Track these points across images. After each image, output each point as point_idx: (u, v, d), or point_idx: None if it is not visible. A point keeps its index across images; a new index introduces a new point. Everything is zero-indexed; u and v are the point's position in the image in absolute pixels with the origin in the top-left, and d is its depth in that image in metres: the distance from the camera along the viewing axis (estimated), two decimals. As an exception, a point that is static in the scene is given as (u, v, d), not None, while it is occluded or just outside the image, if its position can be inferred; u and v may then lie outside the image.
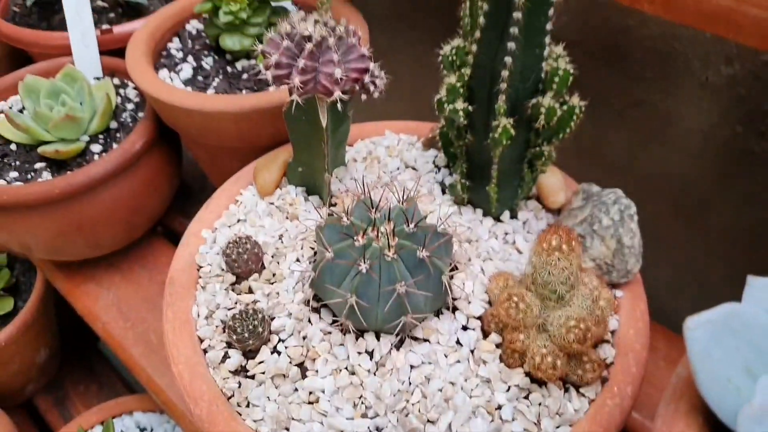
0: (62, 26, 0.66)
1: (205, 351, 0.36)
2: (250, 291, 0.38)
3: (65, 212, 0.50)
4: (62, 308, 0.73)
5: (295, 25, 0.35)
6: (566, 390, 0.34)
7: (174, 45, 0.56)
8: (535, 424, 0.33)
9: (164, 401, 0.49)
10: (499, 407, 0.33)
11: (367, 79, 0.35)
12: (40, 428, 0.80)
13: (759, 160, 0.69)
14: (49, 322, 0.77)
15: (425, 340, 0.35)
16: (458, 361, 0.34)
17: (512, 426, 0.32)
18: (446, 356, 0.34)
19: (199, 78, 0.52)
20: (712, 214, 0.71)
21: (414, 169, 0.45)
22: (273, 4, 0.51)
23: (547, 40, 0.33)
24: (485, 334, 0.35)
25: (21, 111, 0.58)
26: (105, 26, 0.63)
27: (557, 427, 0.33)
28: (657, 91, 0.72)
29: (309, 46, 0.34)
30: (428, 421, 0.32)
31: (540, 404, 0.33)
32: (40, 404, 0.79)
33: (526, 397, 0.33)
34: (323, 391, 0.33)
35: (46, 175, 0.51)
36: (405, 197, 0.37)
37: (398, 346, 0.35)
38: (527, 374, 0.34)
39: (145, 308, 0.55)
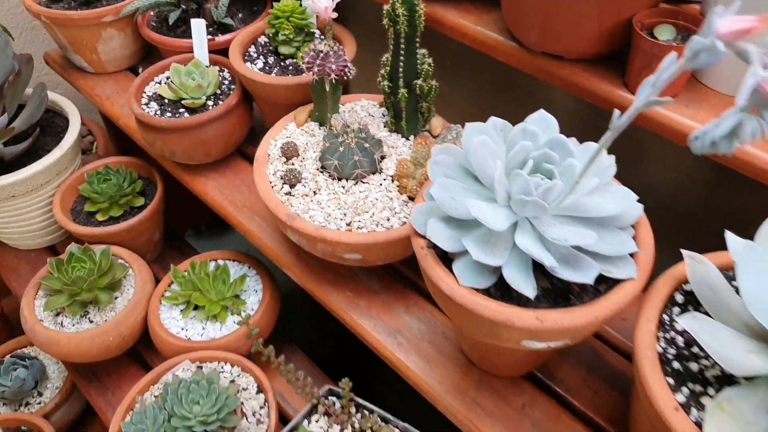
0: (183, 35, 1.14)
1: (272, 186, 0.83)
2: (293, 164, 0.85)
3: (195, 135, 0.97)
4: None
5: (316, 46, 0.81)
6: (424, 204, 0.80)
7: (252, 49, 1.03)
8: (409, 214, 0.78)
9: (244, 231, 0.96)
10: (394, 208, 0.79)
11: (346, 70, 0.82)
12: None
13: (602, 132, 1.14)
14: (161, 217, 1.25)
15: (367, 183, 0.81)
16: (380, 191, 0.80)
17: (399, 214, 0.78)
18: (375, 189, 0.80)
19: (266, 68, 0.99)
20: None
21: (372, 116, 0.91)
22: (305, 30, 0.98)
23: (419, 56, 0.78)
24: (393, 181, 0.81)
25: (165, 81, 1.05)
26: (209, 37, 1.10)
27: (419, 218, 0.78)
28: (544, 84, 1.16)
29: (321, 55, 0.80)
30: (364, 211, 0.78)
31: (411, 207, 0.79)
32: (154, 270, 1.27)
33: (406, 204, 0.79)
34: (323, 200, 0.80)
35: (186, 115, 0.99)
36: (363, 125, 0.83)
37: (355, 183, 0.81)
38: (408, 196, 0.80)
39: (233, 190, 1.01)
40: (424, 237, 0.61)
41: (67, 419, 1.28)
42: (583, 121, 1.18)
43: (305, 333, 1.28)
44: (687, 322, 0.50)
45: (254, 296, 1.07)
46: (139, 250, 1.20)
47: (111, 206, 1.18)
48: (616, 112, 0.44)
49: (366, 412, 0.83)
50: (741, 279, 0.50)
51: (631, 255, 0.58)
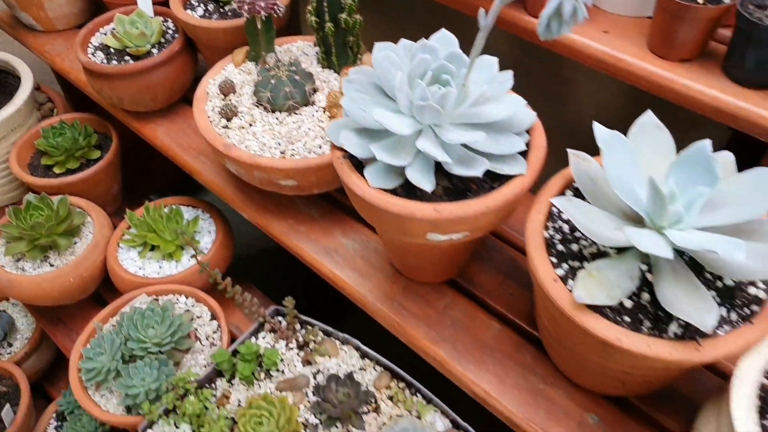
0: (127, -12, 1.17)
1: (210, 121, 0.88)
2: (230, 100, 0.90)
3: (140, 81, 1.02)
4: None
5: (246, -14, 0.86)
6: (353, 131, 0.86)
7: (192, -2, 1.07)
8: (339, 142, 0.84)
9: (190, 170, 1.01)
10: (326, 136, 0.84)
11: (276, 8, 0.86)
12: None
13: (532, 74, 1.19)
14: (118, 170, 1.29)
15: (299, 114, 0.87)
16: (312, 121, 0.86)
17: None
18: (308, 119, 0.86)
19: (206, 14, 1.03)
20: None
21: (306, 54, 0.96)
22: (242, -24, 1.02)
23: (343, -9, 0.84)
24: (324, 112, 0.87)
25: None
26: (152, -12, 1.14)
27: (349, 144, 0.84)
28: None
29: (251, -6, 0.85)
30: (297, 140, 0.84)
31: (342, 135, 0.85)
32: (114, 223, 1.32)
33: (337, 132, 0.85)
34: (258, 132, 0.85)
35: (131, 63, 1.03)
36: (294, 60, 0.88)
37: (288, 115, 0.86)
38: (338, 125, 0.85)
39: (180, 134, 1.06)
40: (341, 149, 0.67)
41: (37, 367, 1.34)
42: (517, 67, 1.25)
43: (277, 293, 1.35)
44: (560, 202, 0.57)
45: (208, 236, 1.12)
46: (98, 202, 1.24)
47: (67, 159, 1.22)
48: (482, 11, 0.50)
49: (309, 327, 0.90)
50: (606, 164, 0.57)
51: (525, 156, 0.65)
